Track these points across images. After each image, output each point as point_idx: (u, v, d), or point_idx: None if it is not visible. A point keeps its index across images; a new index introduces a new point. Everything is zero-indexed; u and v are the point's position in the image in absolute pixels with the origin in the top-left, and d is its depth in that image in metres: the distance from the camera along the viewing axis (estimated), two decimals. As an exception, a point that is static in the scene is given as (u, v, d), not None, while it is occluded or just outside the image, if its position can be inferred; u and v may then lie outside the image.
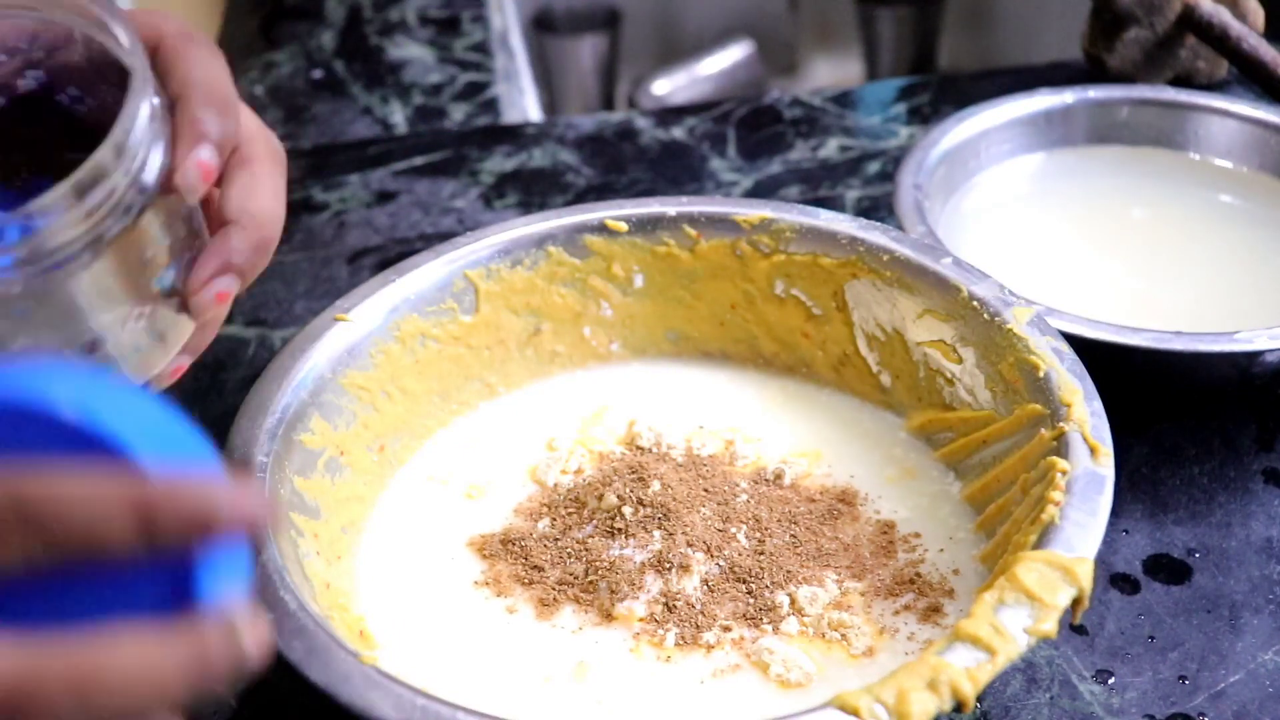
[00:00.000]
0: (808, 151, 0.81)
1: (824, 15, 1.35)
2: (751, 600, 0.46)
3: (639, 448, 0.53)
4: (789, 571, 0.47)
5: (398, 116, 0.88)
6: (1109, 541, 0.53)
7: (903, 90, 0.87)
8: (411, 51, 0.97)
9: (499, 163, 0.81)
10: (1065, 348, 0.49)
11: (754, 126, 0.84)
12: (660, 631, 0.45)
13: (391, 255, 0.73)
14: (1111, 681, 0.47)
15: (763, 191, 0.77)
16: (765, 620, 0.45)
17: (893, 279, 0.54)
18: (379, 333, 0.52)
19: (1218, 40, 0.77)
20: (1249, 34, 0.77)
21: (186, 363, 0.44)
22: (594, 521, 0.49)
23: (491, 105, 0.89)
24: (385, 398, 0.52)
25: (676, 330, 0.58)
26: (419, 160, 0.82)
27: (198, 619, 0.30)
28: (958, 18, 1.33)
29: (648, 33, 1.30)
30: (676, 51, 1.29)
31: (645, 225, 0.57)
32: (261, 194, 0.43)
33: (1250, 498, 0.55)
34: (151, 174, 0.38)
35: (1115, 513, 0.50)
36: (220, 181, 0.42)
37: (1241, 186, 0.69)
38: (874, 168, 0.79)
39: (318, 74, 0.94)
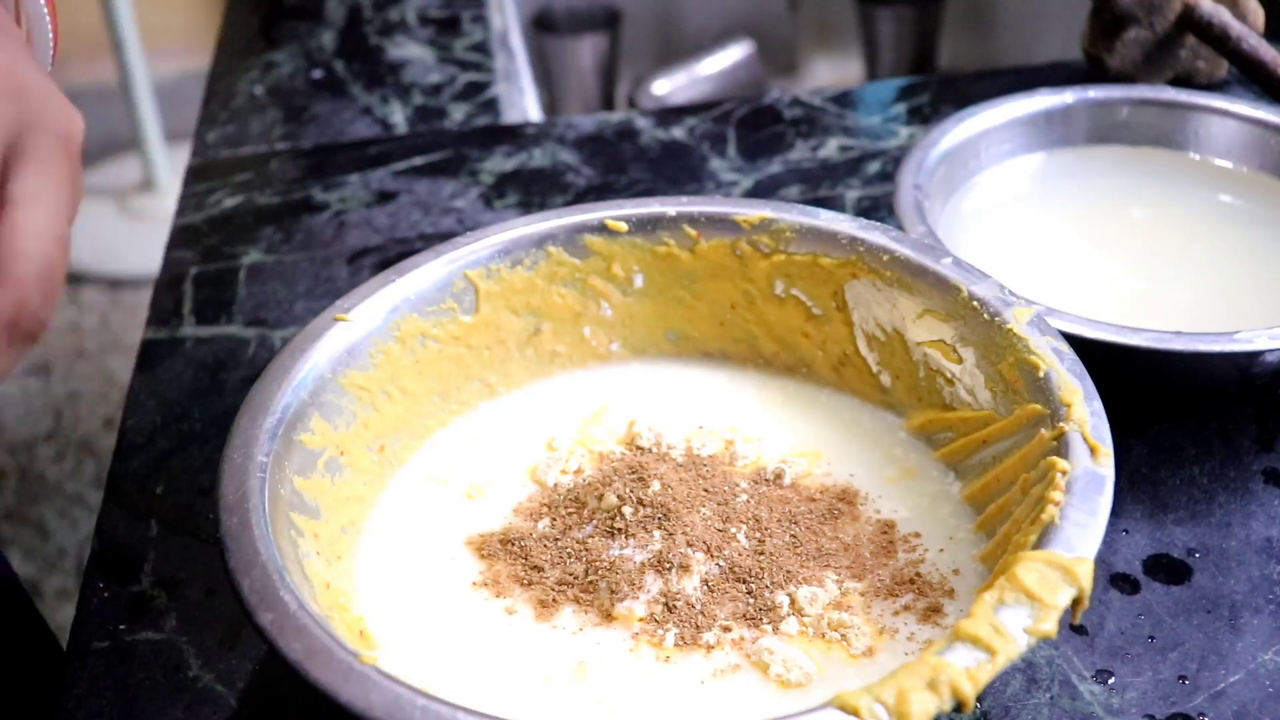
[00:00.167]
0: (808, 151, 0.81)
1: (824, 15, 1.35)
2: (751, 600, 0.46)
3: (639, 448, 0.53)
4: (789, 571, 0.47)
5: (398, 116, 0.88)
6: (1109, 541, 0.53)
7: (903, 90, 0.87)
8: (411, 51, 0.97)
9: (499, 163, 0.81)
10: (1065, 348, 0.49)
11: (754, 126, 0.84)
12: (660, 631, 0.45)
13: (391, 255, 0.73)
14: (1111, 681, 0.47)
15: (763, 191, 0.77)
16: (765, 620, 0.45)
17: (893, 279, 0.54)
18: (379, 333, 0.52)
19: (1218, 40, 0.77)
20: (1249, 34, 0.77)
21: None
22: (594, 521, 0.49)
23: (491, 105, 0.89)
24: (385, 398, 0.52)
25: (676, 330, 0.58)
26: (419, 160, 0.82)
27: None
28: (958, 18, 1.33)
29: (648, 33, 1.30)
30: (676, 51, 1.29)
31: (645, 225, 0.57)
32: (26, 224, 0.32)
33: (1250, 498, 0.55)
34: None
35: (1115, 513, 0.50)
36: None
37: (1241, 186, 0.69)
38: (874, 168, 0.79)
39: (318, 74, 0.94)
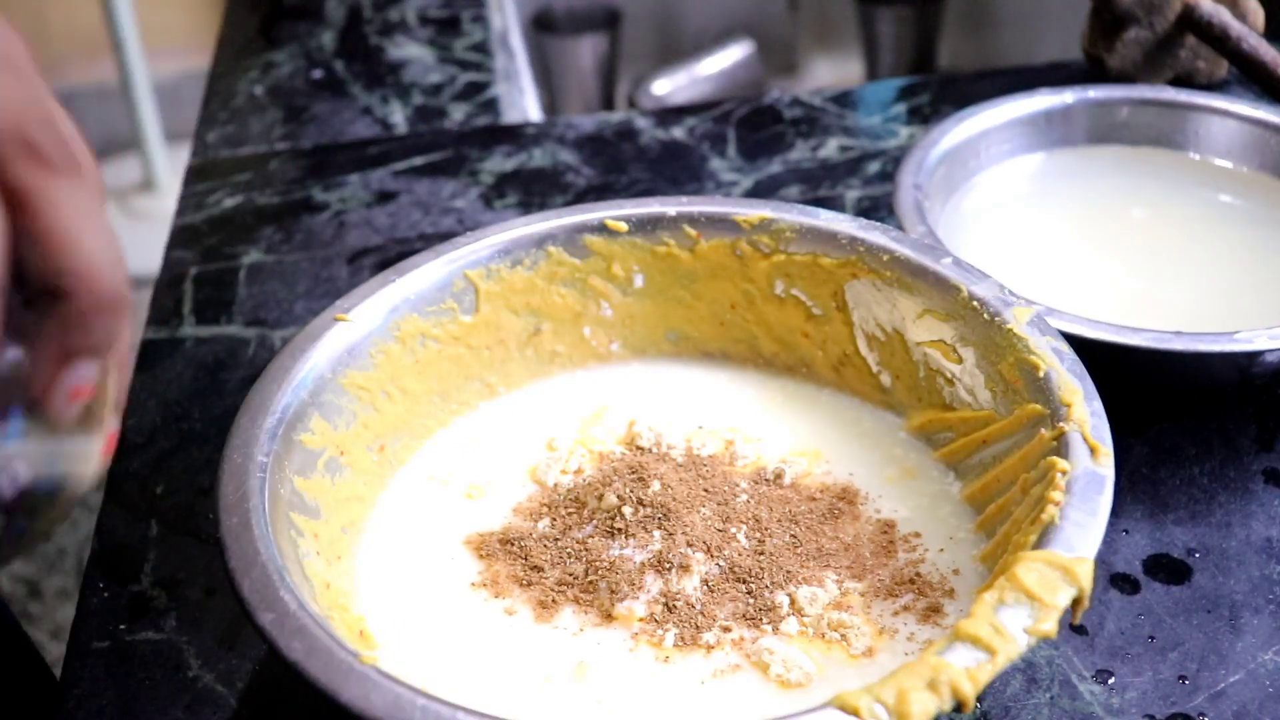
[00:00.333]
0: (808, 151, 0.81)
1: (824, 15, 1.35)
2: (751, 600, 0.46)
3: (639, 448, 0.53)
4: (789, 571, 0.47)
5: (398, 116, 0.88)
6: (1109, 541, 0.53)
7: (903, 90, 0.87)
8: (411, 51, 0.97)
9: (499, 163, 0.81)
10: (1065, 348, 0.49)
11: (754, 126, 0.84)
12: (660, 632, 0.45)
13: (391, 255, 0.73)
14: (1111, 681, 0.47)
15: (763, 191, 0.77)
16: (765, 620, 0.45)
17: (893, 279, 0.54)
18: (379, 333, 0.52)
19: (1218, 40, 0.77)
20: (1249, 34, 0.77)
21: (114, 427, 0.35)
22: (594, 521, 0.49)
23: (491, 105, 0.89)
24: (385, 398, 0.52)
25: (676, 330, 0.58)
26: (419, 160, 0.82)
27: None
28: (958, 18, 1.33)
29: (648, 33, 1.30)
30: (676, 51, 1.29)
31: (645, 225, 0.57)
32: (83, 233, 0.30)
33: (1250, 498, 0.55)
34: None
35: (1115, 513, 0.50)
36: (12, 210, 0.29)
37: (1241, 186, 0.69)
38: (874, 168, 0.79)
39: (318, 74, 0.94)
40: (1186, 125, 0.71)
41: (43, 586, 1.55)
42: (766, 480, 0.52)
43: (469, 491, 0.52)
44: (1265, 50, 0.76)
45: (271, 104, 0.90)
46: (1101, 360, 0.51)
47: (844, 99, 0.87)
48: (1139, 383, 0.55)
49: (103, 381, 0.33)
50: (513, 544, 0.49)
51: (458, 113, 0.88)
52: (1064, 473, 0.44)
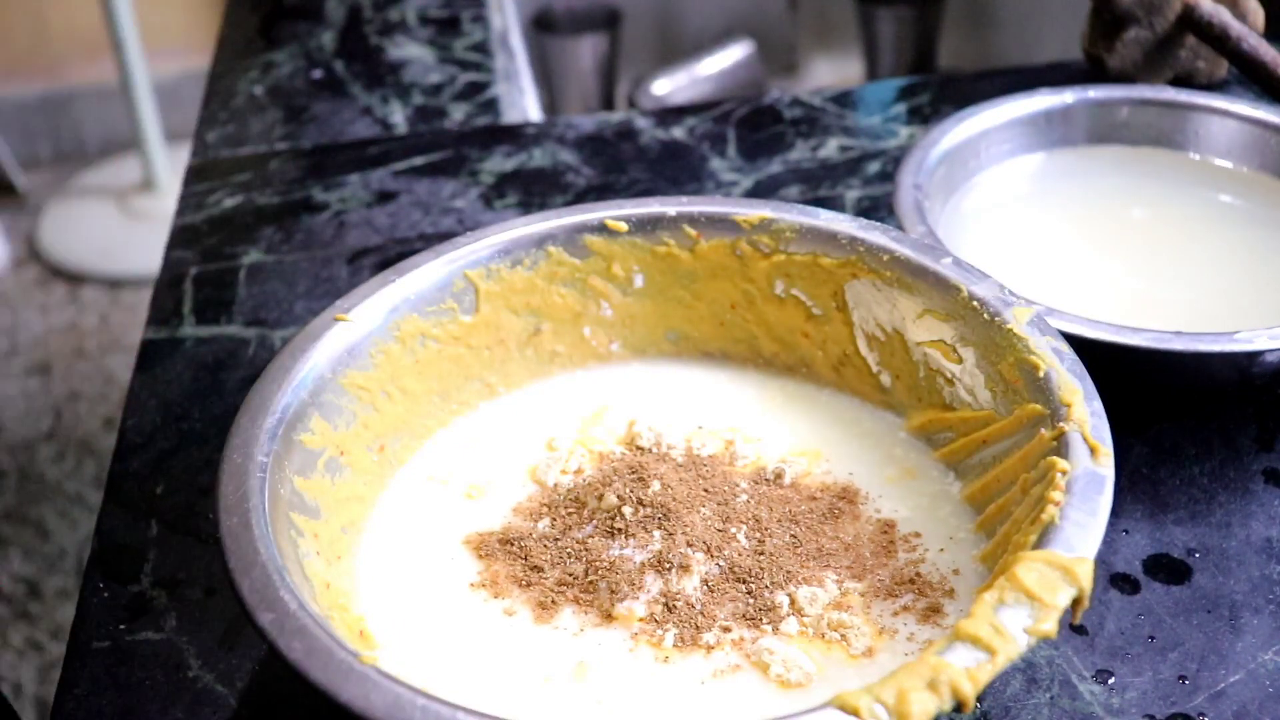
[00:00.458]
0: (808, 151, 0.81)
1: (824, 15, 1.35)
2: (751, 600, 0.46)
3: (639, 448, 0.53)
4: (789, 572, 0.47)
5: (398, 116, 0.88)
6: (1109, 541, 0.53)
7: (903, 90, 0.87)
8: (411, 51, 0.97)
9: (499, 163, 0.81)
10: (1065, 348, 0.49)
11: (754, 126, 0.84)
12: (660, 632, 0.45)
13: (391, 255, 0.73)
14: (1111, 681, 0.47)
15: (763, 191, 0.77)
16: (765, 620, 0.45)
17: (893, 279, 0.54)
18: (379, 333, 0.52)
19: (1218, 40, 0.77)
20: (1249, 34, 0.77)
21: None
22: (594, 521, 0.49)
23: (491, 105, 0.89)
24: (385, 398, 0.52)
25: (676, 330, 0.58)
26: (419, 160, 0.82)
27: None
28: (958, 18, 1.33)
29: (648, 33, 1.30)
30: (676, 51, 1.29)
31: (645, 225, 0.57)
32: None
33: (1250, 498, 0.55)
34: None
35: (1115, 513, 0.50)
36: None
37: (1241, 186, 0.69)
38: (874, 168, 0.79)
39: (318, 74, 0.94)
40: (1186, 125, 0.71)
41: (43, 586, 1.55)
42: (766, 480, 0.52)
43: (469, 491, 0.52)
44: (1265, 50, 0.76)
45: (271, 104, 0.90)
46: (1101, 360, 0.51)
47: (844, 99, 0.87)
48: (1139, 383, 0.55)
49: None
50: (513, 544, 0.49)
51: (458, 113, 0.88)
52: (1064, 473, 0.44)
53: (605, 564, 0.47)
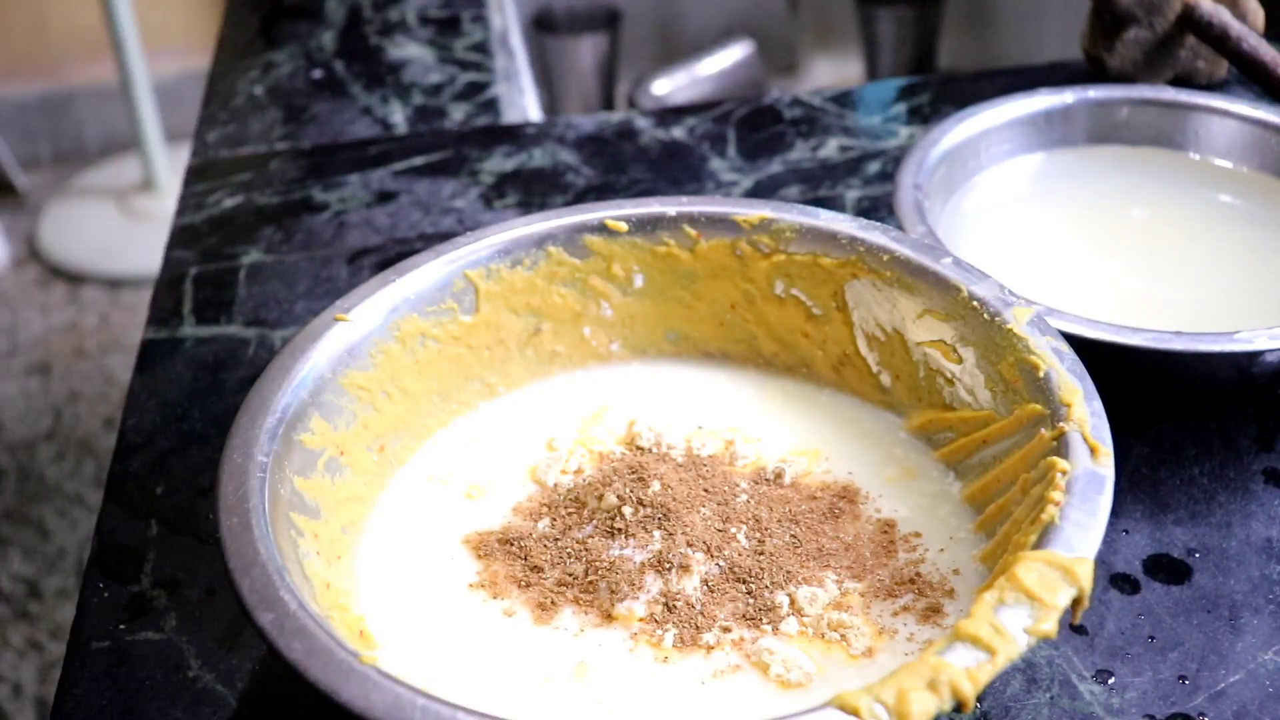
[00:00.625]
0: (808, 151, 0.81)
1: (824, 15, 1.35)
2: (751, 600, 0.46)
3: (639, 448, 0.53)
4: (789, 572, 0.47)
5: (398, 116, 0.88)
6: (1109, 541, 0.53)
7: (903, 90, 0.87)
8: (411, 51, 0.97)
9: (499, 163, 0.81)
10: (1065, 348, 0.49)
11: (754, 126, 0.84)
12: (660, 632, 0.45)
13: (391, 255, 0.73)
14: (1111, 681, 0.47)
15: (763, 191, 0.77)
16: (765, 620, 0.45)
17: (893, 279, 0.54)
18: (379, 333, 0.52)
19: (1218, 40, 0.77)
20: (1249, 34, 0.77)
21: None
22: (594, 521, 0.49)
23: (491, 105, 0.89)
24: (385, 398, 0.52)
25: (676, 330, 0.58)
26: (419, 160, 0.82)
27: None
28: (958, 18, 1.33)
29: (648, 33, 1.31)
30: (676, 51, 1.29)
31: (645, 225, 0.57)
32: None
33: (1250, 498, 0.55)
34: None
35: (1115, 513, 0.50)
36: None
37: (1241, 186, 0.69)
38: (874, 168, 0.79)
39: (318, 74, 0.94)
40: (1186, 125, 0.71)
41: (43, 586, 1.55)
42: (766, 480, 0.52)
43: (469, 491, 0.52)
44: (1265, 50, 0.76)
45: (271, 104, 0.90)
46: (1101, 360, 0.51)
47: (844, 99, 0.87)
48: (1139, 383, 0.55)
49: None
50: (512, 544, 0.49)
51: (458, 113, 0.88)
52: (1064, 473, 0.44)
53: (605, 564, 0.47)
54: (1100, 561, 0.51)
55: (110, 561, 0.54)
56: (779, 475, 0.52)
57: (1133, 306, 0.61)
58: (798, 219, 0.56)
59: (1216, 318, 0.60)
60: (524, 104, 0.90)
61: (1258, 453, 0.57)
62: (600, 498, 0.49)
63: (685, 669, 0.44)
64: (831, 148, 0.81)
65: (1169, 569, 0.52)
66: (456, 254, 0.55)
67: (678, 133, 0.83)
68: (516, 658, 0.45)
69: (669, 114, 0.86)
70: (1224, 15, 0.77)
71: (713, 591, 0.46)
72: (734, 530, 0.48)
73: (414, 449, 0.54)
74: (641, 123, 0.85)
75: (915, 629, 0.45)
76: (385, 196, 0.79)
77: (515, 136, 0.84)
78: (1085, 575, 0.40)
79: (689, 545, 0.47)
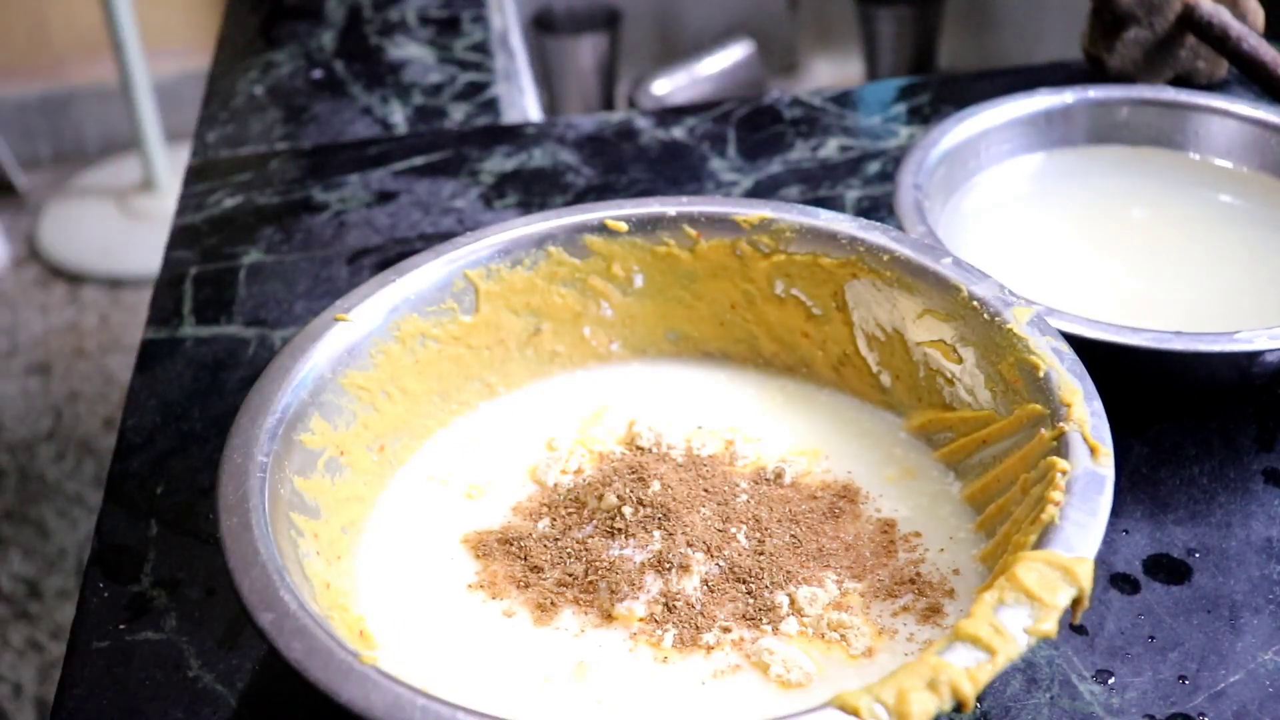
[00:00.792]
0: (808, 151, 0.81)
1: (824, 15, 1.35)
2: (751, 600, 0.46)
3: (639, 448, 0.53)
4: (789, 572, 0.47)
5: (398, 116, 0.88)
6: (1109, 541, 0.53)
7: (903, 90, 0.87)
8: (411, 51, 0.97)
9: (499, 163, 0.81)
10: (1065, 348, 0.49)
11: (754, 126, 0.84)
12: (659, 632, 0.45)
13: (391, 255, 0.73)
14: (1111, 681, 0.47)
15: (763, 191, 0.77)
16: (765, 621, 0.45)
17: (893, 279, 0.54)
18: (379, 333, 0.52)
19: (1218, 40, 0.77)
20: (1249, 34, 0.77)
21: None
22: (594, 521, 0.49)
23: (491, 105, 0.89)
24: (385, 398, 0.52)
25: (676, 330, 0.58)
26: (419, 160, 0.82)
27: None
28: (958, 18, 1.33)
29: (648, 33, 1.30)
30: (676, 51, 1.29)
31: (645, 225, 0.57)
32: None
33: (1250, 498, 0.55)
34: None
35: (1115, 513, 0.50)
36: None
37: (1241, 186, 0.69)
38: (874, 168, 0.79)
39: (318, 74, 0.94)
40: (1186, 125, 0.71)
41: (43, 586, 1.55)
42: (766, 480, 0.52)
43: (469, 491, 0.52)
44: (1265, 50, 0.76)
45: (271, 104, 0.90)
46: (1101, 360, 0.51)
47: (844, 99, 0.87)
48: (1139, 383, 0.55)
49: None
50: (512, 544, 0.49)
51: (458, 113, 0.88)
52: (1064, 473, 0.44)
53: (605, 564, 0.47)
54: (1100, 561, 0.51)
55: (110, 561, 0.54)
56: (779, 475, 0.52)
57: (1133, 306, 0.61)
58: (798, 219, 0.56)
59: (1216, 318, 0.60)
60: (524, 104, 0.90)
61: (1258, 453, 0.57)
62: (600, 498, 0.49)
63: (685, 669, 0.44)
64: (831, 148, 0.81)
65: (1169, 569, 0.52)
66: (456, 254, 0.55)
67: (678, 133, 0.83)
68: (517, 658, 0.45)
69: (669, 114, 0.86)
70: (1224, 15, 0.77)
71: (713, 591, 0.46)
72: (734, 530, 0.48)
73: (414, 449, 0.54)
74: (641, 123, 0.85)
75: (915, 629, 0.45)
76: (385, 196, 0.79)
77: (515, 136, 0.84)
78: (1085, 575, 0.40)
79: (689, 545, 0.47)
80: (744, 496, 0.50)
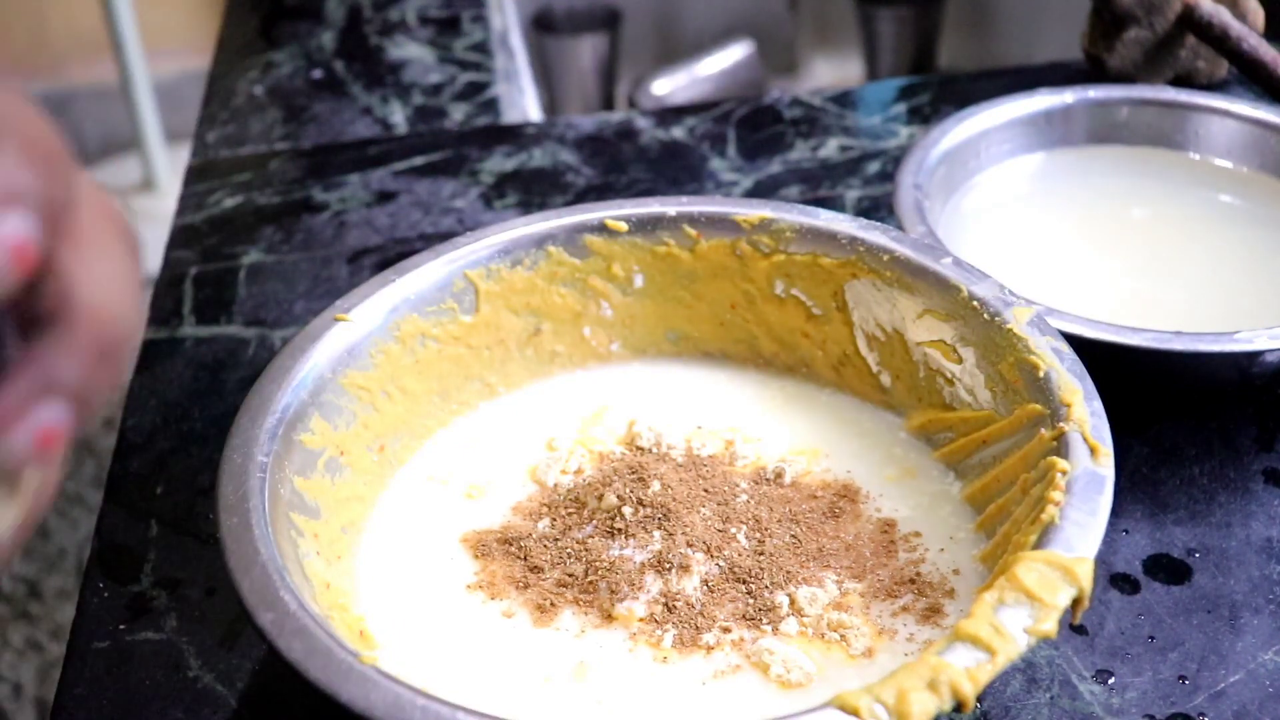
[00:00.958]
0: (808, 151, 0.81)
1: (824, 15, 1.35)
2: (751, 601, 0.46)
3: (639, 448, 0.53)
4: (789, 572, 0.47)
5: (398, 116, 0.88)
6: (1109, 541, 0.53)
7: (903, 90, 0.87)
8: (411, 51, 0.97)
9: (499, 163, 0.81)
10: (1065, 348, 0.49)
11: (754, 126, 0.84)
12: (659, 632, 0.45)
13: (391, 255, 0.73)
14: (1111, 681, 0.47)
15: (763, 191, 0.77)
16: (765, 621, 0.45)
17: (893, 279, 0.54)
18: (379, 333, 0.52)
19: (1218, 40, 0.77)
20: (1249, 34, 0.77)
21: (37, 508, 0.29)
22: (594, 522, 0.49)
23: (491, 105, 0.89)
24: (385, 398, 0.52)
25: (676, 330, 0.58)
26: (419, 160, 0.82)
27: None
28: (958, 18, 1.33)
29: (648, 33, 1.30)
30: (676, 51, 1.29)
31: (645, 225, 0.57)
32: (101, 278, 0.29)
33: (1250, 498, 0.55)
34: None
35: (1115, 513, 0.50)
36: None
37: (1241, 186, 0.69)
38: (874, 168, 0.79)
39: (318, 74, 0.94)
40: (1186, 125, 0.71)
41: (43, 586, 1.55)
42: (766, 480, 0.52)
43: (469, 491, 0.52)
44: (1265, 50, 0.76)
45: (271, 104, 0.90)
46: (1101, 360, 0.51)
47: (844, 99, 0.87)
48: (1139, 383, 0.55)
49: (67, 439, 0.28)
50: (512, 544, 0.49)
51: (458, 113, 0.88)
52: (1064, 473, 0.44)
53: (605, 564, 0.47)
54: (1100, 561, 0.51)
55: (110, 561, 0.54)
56: (779, 475, 0.52)
57: (1133, 306, 0.61)
58: (798, 219, 0.56)
59: (1216, 318, 0.60)
60: (524, 104, 0.90)
61: (1258, 453, 0.57)
62: (600, 498, 0.49)
63: (685, 669, 0.44)
64: (831, 148, 0.81)
65: (1169, 569, 0.52)
66: (456, 254, 0.55)
67: (678, 133, 0.83)
68: (517, 657, 0.45)
69: (669, 114, 0.86)
70: (1224, 15, 0.77)
71: (713, 592, 0.46)
72: (734, 530, 0.48)
73: (414, 449, 0.54)
74: (641, 123, 0.85)
75: (915, 629, 0.45)
76: (385, 196, 0.79)
77: (515, 136, 0.84)
78: (1085, 575, 0.40)
79: (689, 545, 0.47)
80: (744, 496, 0.50)
